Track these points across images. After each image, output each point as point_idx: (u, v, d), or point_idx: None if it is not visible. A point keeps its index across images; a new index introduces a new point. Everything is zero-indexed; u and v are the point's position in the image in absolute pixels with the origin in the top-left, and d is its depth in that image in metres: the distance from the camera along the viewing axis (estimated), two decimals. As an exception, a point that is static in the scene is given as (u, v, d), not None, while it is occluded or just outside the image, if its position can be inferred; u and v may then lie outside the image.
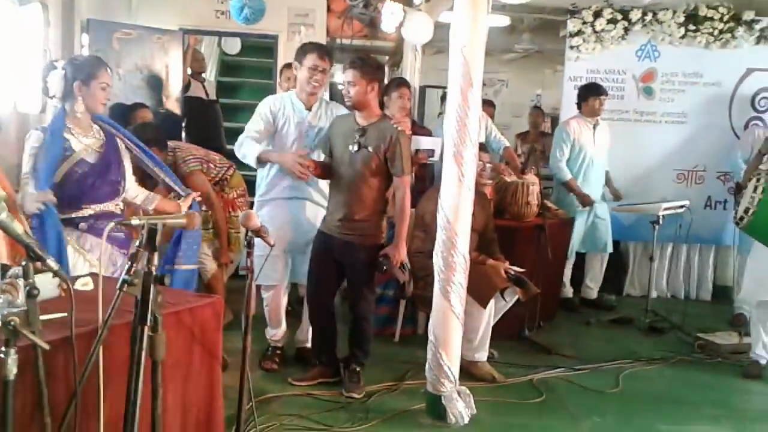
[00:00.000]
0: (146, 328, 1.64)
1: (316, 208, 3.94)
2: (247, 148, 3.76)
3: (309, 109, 3.88)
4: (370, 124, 3.68)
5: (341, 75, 4.13)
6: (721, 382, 4.27)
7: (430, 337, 3.51)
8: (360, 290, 3.77)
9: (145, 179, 3.47)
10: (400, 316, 4.70)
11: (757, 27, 5.93)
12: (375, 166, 3.64)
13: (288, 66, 5.07)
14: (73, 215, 2.91)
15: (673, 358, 4.59)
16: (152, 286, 1.64)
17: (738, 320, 5.32)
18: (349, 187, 3.67)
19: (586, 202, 5.47)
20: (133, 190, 3.19)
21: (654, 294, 5.68)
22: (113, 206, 3.03)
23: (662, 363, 4.51)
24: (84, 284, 2.40)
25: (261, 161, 3.76)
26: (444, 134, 3.46)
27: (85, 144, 2.94)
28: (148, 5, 6.36)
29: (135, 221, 1.79)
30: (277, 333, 4.08)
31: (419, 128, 5.53)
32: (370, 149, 3.62)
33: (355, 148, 3.63)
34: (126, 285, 1.70)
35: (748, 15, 5.90)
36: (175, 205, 3.23)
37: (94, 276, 2.48)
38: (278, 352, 4.09)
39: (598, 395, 3.96)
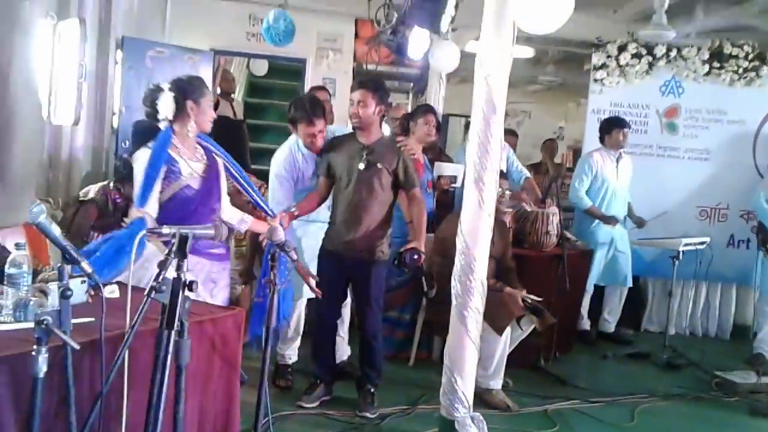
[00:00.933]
0: (173, 333, 1.68)
1: (313, 225, 3.99)
2: None
3: (319, 153, 3.90)
4: (375, 143, 3.73)
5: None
6: (737, 421, 4.22)
7: (446, 361, 3.50)
8: (370, 307, 3.77)
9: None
10: (415, 340, 4.70)
11: (781, 67, 5.94)
12: (385, 181, 3.70)
13: (314, 89, 5.17)
14: None
15: (690, 395, 4.54)
16: (181, 292, 1.69)
17: (756, 360, 5.26)
18: (360, 205, 3.69)
19: (611, 222, 5.47)
20: (228, 211, 3.23)
21: (672, 330, 5.63)
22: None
23: (678, 399, 4.47)
24: (110, 292, 2.45)
25: None
26: (466, 160, 3.50)
27: (191, 168, 2.98)
28: (181, 25, 6.53)
29: (165, 230, 1.85)
30: (290, 349, 4.10)
31: (444, 155, 5.61)
32: (380, 165, 3.67)
33: (364, 165, 3.66)
34: (154, 292, 1.75)
35: (773, 55, 5.93)
36: (266, 225, 3.25)
37: (120, 285, 2.53)
38: (289, 369, 4.11)
39: (612, 429, 3.93)
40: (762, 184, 5.67)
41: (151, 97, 2.96)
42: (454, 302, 3.46)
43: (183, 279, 1.70)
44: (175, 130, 2.97)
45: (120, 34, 5.57)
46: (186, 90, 2.96)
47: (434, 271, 4.32)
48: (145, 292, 1.73)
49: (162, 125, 2.98)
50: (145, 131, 5.22)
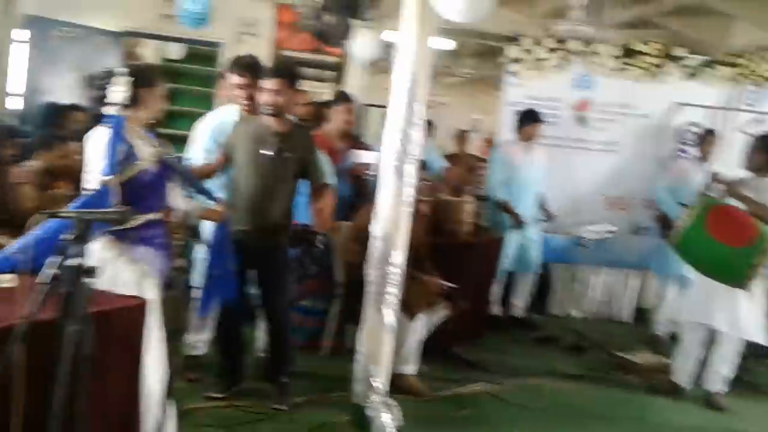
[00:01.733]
0: (73, 322, 1.62)
1: None
2: None
3: None
4: (288, 130, 3.63)
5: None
6: (636, 399, 4.44)
7: (360, 349, 3.53)
8: (277, 295, 3.70)
9: None
10: (330, 328, 4.69)
11: (686, 64, 6.24)
12: (293, 170, 3.64)
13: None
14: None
15: (594, 375, 4.75)
16: (81, 279, 1.63)
17: (655, 341, 5.55)
18: (265, 192, 3.58)
19: (518, 222, 5.61)
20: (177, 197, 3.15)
21: (578, 314, 5.84)
22: (157, 215, 2.97)
23: (583, 380, 4.66)
24: (7, 281, 2.34)
25: None
26: (383, 148, 3.51)
27: (147, 153, 2.90)
28: (89, 4, 6.24)
29: (63, 215, 1.77)
30: (199, 339, 3.98)
31: (361, 144, 5.61)
32: (290, 154, 3.59)
33: (273, 152, 3.56)
34: (52, 279, 1.68)
35: (678, 52, 6.20)
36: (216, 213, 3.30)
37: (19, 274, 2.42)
38: (199, 361, 3.98)
39: (522, 410, 4.06)
40: (663, 174, 5.94)
41: (102, 83, 2.86)
42: (369, 289, 3.49)
43: (83, 266, 1.64)
44: (126, 116, 2.89)
45: (24, 11, 5.30)
46: (140, 78, 2.90)
47: (350, 259, 4.32)
48: (37, 280, 1.66)
49: (109, 111, 2.87)
50: (54, 114, 5.03)
